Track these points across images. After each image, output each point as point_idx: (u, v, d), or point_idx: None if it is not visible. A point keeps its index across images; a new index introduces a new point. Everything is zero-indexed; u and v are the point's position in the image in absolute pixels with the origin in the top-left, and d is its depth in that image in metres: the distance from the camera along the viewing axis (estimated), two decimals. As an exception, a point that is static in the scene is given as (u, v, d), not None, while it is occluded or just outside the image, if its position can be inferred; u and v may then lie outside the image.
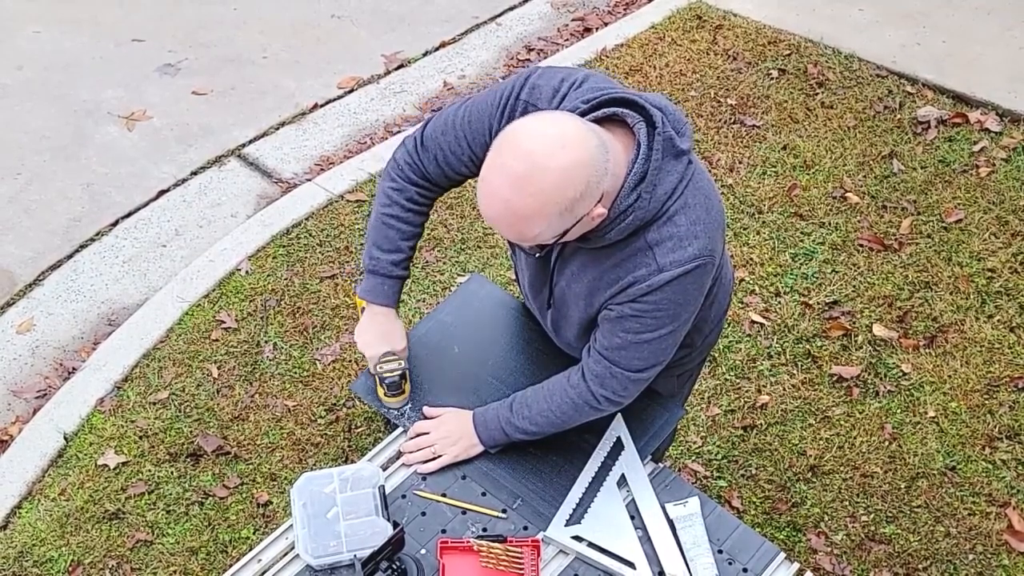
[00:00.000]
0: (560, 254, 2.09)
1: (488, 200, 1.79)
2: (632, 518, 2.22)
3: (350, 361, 3.75)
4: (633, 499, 2.26)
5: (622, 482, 2.29)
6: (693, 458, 3.45)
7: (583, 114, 1.87)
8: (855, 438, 3.51)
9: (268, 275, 4.08)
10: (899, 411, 3.58)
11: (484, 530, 2.20)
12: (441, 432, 2.32)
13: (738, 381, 3.68)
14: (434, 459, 2.30)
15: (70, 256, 4.28)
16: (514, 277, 3.92)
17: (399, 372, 2.34)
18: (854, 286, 3.98)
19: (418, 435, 2.34)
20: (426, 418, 2.38)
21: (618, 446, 2.34)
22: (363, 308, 2.38)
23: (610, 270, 1.98)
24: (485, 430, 2.29)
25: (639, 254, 1.93)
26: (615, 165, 1.82)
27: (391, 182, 2.25)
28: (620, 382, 2.11)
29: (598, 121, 1.85)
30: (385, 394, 2.39)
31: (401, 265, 2.31)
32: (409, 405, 2.43)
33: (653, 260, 1.91)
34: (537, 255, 1.98)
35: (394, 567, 2.05)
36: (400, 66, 5.31)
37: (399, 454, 2.36)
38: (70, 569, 3.21)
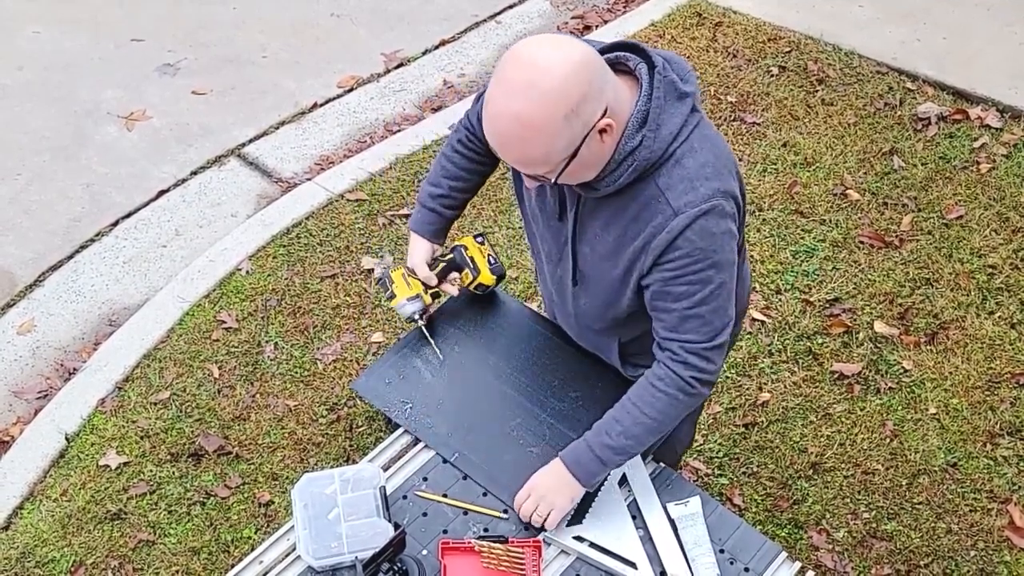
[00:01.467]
0: (578, 218, 2.08)
1: (495, 119, 1.80)
2: (634, 518, 2.23)
3: (351, 361, 3.75)
4: (634, 499, 2.26)
5: (623, 482, 2.29)
6: (694, 456, 3.45)
7: None
8: (856, 435, 3.51)
9: (269, 275, 4.08)
10: (900, 408, 3.58)
11: (486, 530, 2.20)
12: (539, 492, 2.21)
13: (739, 379, 3.68)
14: (549, 516, 2.20)
15: (70, 257, 4.28)
16: (518, 277, 3.94)
17: (384, 266, 2.39)
18: (855, 283, 3.98)
19: (520, 506, 2.24)
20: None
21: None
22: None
23: (632, 224, 1.97)
24: (579, 467, 2.18)
25: (653, 202, 1.92)
26: (619, 96, 1.84)
27: (455, 132, 2.40)
28: (701, 357, 2.06)
29: None
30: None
31: (438, 200, 2.42)
32: (410, 405, 2.43)
33: (667, 205, 1.91)
34: (552, 182, 1.93)
35: (395, 568, 2.05)
36: (400, 65, 5.31)
37: (400, 454, 2.36)
38: (72, 570, 3.21)
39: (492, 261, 2.53)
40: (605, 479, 2.29)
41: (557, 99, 1.73)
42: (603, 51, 1.91)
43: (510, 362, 2.53)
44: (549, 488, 2.20)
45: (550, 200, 2.12)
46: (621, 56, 1.91)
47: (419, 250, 2.47)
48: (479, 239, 2.55)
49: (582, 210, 2.06)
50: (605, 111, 1.80)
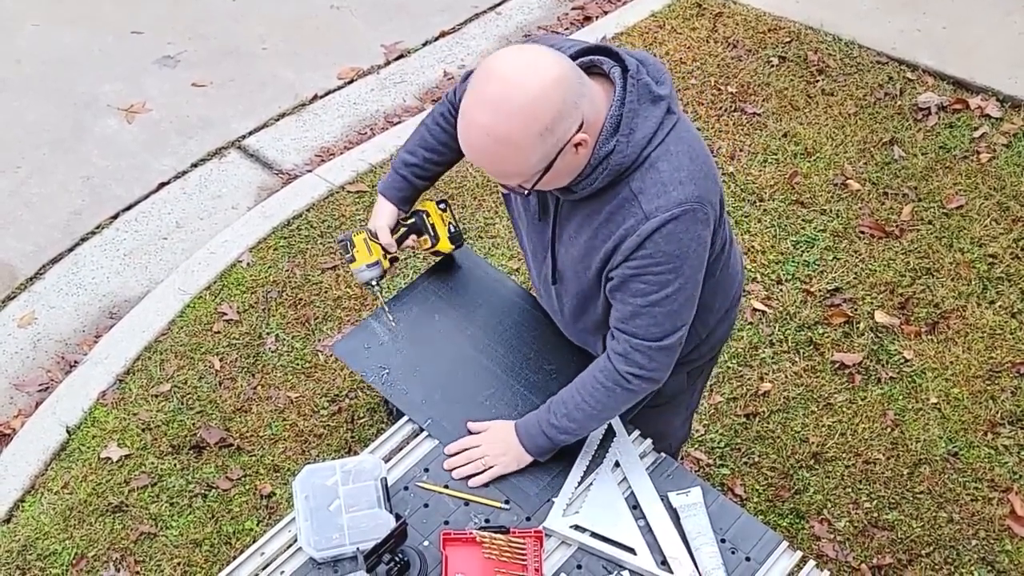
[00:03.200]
0: (556, 220, 2.09)
1: (468, 132, 1.80)
2: (634, 508, 2.23)
3: (352, 352, 3.75)
4: (631, 487, 2.26)
5: (616, 468, 2.30)
6: (696, 446, 3.46)
7: None
8: (857, 425, 3.51)
9: (269, 267, 4.08)
10: (901, 397, 3.58)
11: (487, 521, 2.20)
12: (489, 444, 2.30)
13: (740, 369, 3.68)
14: (485, 471, 2.27)
15: (71, 249, 4.28)
16: (518, 268, 3.94)
17: (350, 231, 2.49)
18: (855, 273, 3.98)
19: (464, 450, 2.32)
20: (471, 432, 2.36)
21: (609, 433, 2.36)
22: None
23: (603, 226, 1.97)
24: (529, 438, 2.25)
25: (626, 205, 1.92)
26: (594, 105, 1.83)
27: (439, 104, 2.39)
28: (644, 355, 2.07)
29: None
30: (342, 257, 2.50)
31: (411, 168, 2.44)
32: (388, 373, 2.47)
33: (639, 208, 1.90)
34: (526, 193, 1.95)
35: (397, 559, 2.05)
36: (400, 56, 5.30)
37: (402, 446, 2.36)
38: (74, 562, 3.21)
39: (452, 229, 2.56)
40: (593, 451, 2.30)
41: (530, 117, 1.74)
42: (577, 55, 1.90)
43: (488, 333, 2.56)
44: (496, 449, 2.28)
45: (532, 201, 2.14)
46: (595, 60, 1.90)
47: (384, 214, 2.50)
48: (442, 205, 2.58)
49: (560, 211, 2.08)
50: (581, 125, 1.80)
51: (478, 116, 1.77)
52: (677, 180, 1.90)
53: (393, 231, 2.51)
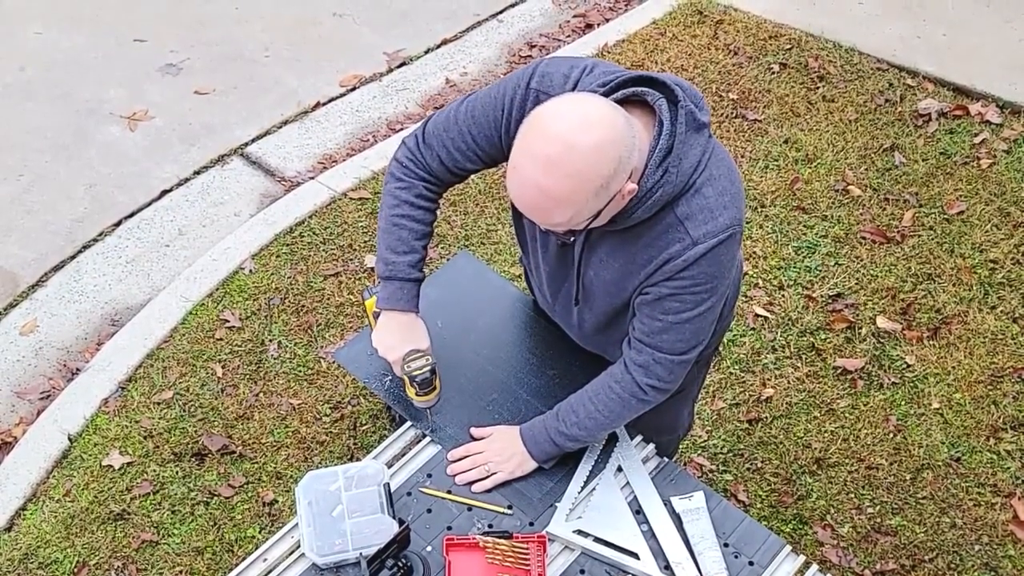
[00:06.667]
0: (586, 243, 2.06)
1: (521, 188, 1.77)
2: (637, 513, 2.23)
3: (354, 359, 3.75)
4: (635, 496, 2.26)
5: (618, 473, 2.30)
6: (698, 452, 3.45)
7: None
8: (860, 430, 3.51)
9: (272, 273, 4.08)
10: (903, 403, 3.58)
11: (490, 526, 2.20)
12: (494, 449, 2.30)
13: (743, 375, 3.68)
14: (489, 476, 2.28)
15: (73, 257, 4.28)
16: (522, 274, 3.94)
17: (429, 368, 2.26)
18: (857, 279, 3.98)
19: (468, 455, 2.32)
20: (474, 438, 2.36)
21: (612, 438, 2.36)
22: (375, 314, 2.33)
23: (642, 250, 1.95)
24: (535, 444, 2.26)
25: (670, 230, 1.91)
26: (641, 149, 1.81)
27: (396, 182, 2.22)
28: (665, 367, 2.08)
29: (617, 103, 1.82)
30: (416, 393, 2.32)
31: (418, 267, 2.25)
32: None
33: (686, 234, 1.89)
34: (571, 240, 1.95)
35: (400, 565, 2.05)
36: (402, 64, 5.31)
37: (404, 451, 2.36)
38: (75, 570, 3.21)
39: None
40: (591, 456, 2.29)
41: (586, 179, 1.72)
42: (616, 87, 1.87)
43: (490, 338, 2.58)
44: (503, 451, 2.28)
45: None
46: (639, 92, 1.86)
47: (424, 332, 2.31)
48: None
49: (589, 236, 2.05)
50: (630, 175, 1.79)
51: (533, 175, 1.73)
52: (722, 205, 1.89)
53: (417, 363, 2.30)
